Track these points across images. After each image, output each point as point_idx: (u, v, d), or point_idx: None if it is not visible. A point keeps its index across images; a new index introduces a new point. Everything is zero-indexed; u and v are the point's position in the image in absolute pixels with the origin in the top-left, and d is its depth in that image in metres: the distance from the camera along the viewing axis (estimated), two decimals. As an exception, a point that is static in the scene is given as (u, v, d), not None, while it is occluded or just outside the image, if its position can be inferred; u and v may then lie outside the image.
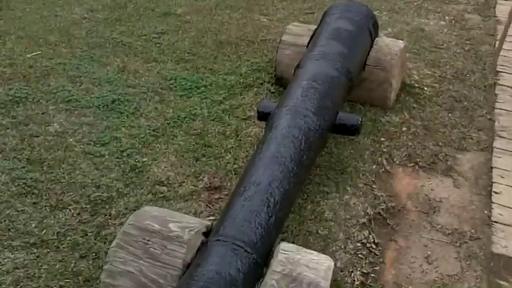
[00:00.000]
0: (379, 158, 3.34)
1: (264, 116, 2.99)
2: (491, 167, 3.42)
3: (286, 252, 2.10)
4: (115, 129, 3.37)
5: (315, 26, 4.00)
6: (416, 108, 3.87)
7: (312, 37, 3.76)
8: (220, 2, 5.48)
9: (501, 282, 2.65)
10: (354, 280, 2.56)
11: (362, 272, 2.61)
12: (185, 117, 3.55)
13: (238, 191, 2.30)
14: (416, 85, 4.12)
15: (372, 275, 2.61)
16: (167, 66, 4.21)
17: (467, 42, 4.96)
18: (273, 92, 3.94)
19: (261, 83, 4.06)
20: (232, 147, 3.33)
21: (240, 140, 3.40)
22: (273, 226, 2.19)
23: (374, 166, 3.26)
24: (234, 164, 3.17)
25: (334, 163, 3.23)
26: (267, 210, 2.20)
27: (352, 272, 2.60)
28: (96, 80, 3.93)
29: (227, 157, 3.23)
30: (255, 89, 3.98)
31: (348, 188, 3.05)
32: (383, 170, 3.27)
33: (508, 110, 4.04)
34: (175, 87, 3.91)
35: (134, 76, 4.04)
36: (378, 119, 3.66)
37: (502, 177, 3.34)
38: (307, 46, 3.75)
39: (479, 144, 3.62)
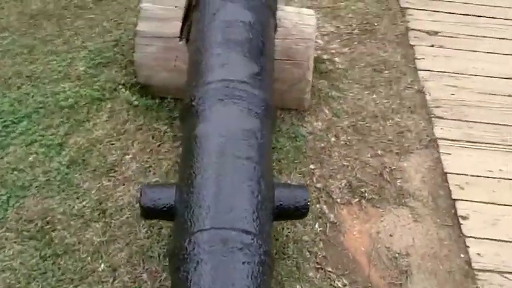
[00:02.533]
0: (318, 205, 2.35)
1: (155, 213, 1.80)
2: (445, 173, 2.63)
3: None
4: None
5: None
6: (335, 98, 2.87)
7: (185, 21, 2.49)
8: None
9: None
10: None
11: None
12: (9, 198, 2.19)
13: None
14: (325, 56, 3.09)
15: None
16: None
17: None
18: (137, 106, 2.66)
19: (114, 89, 2.73)
20: (102, 242, 2.10)
21: (114, 230, 2.16)
22: None
23: (317, 225, 2.27)
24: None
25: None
26: None
27: None
28: None
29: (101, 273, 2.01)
30: (108, 104, 2.66)
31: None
32: (329, 224, 2.30)
33: (432, 71, 3.22)
34: (-22, 130, 2.45)
35: None
36: (297, 133, 2.61)
37: (462, 188, 2.57)
38: (180, 36, 2.48)
39: (419, 138, 2.79)
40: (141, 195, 1.80)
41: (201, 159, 1.74)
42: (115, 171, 2.36)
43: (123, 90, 2.72)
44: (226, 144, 1.76)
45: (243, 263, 1.49)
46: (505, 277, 2.24)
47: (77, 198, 2.23)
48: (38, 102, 2.61)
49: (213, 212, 1.58)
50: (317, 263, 2.12)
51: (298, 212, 1.84)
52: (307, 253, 2.14)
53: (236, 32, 2.13)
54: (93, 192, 2.26)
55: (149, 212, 1.80)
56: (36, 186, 2.25)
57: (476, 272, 2.24)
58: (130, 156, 2.45)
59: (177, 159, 2.45)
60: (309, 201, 1.84)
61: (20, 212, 2.14)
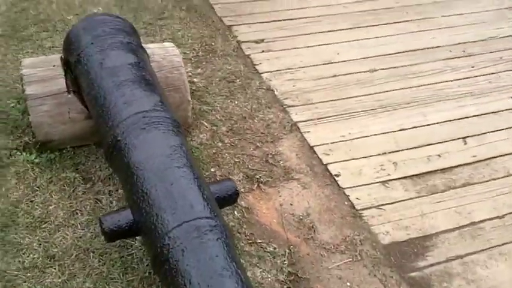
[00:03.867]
0: (229, 198, 2.80)
1: (119, 234, 2.12)
2: (311, 147, 3.26)
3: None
4: None
5: (54, 56, 2.96)
6: (208, 112, 3.35)
7: (66, 76, 2.77)
8: None
9: (412, 274, 2.60)
10: None
11: None
12: (-40, 272, 2.29)
13: None
14: (185, 80, 3.53)
15: None
16: None
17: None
18: (39, 163, 2.85)
19: (10, 155, 2.88)
20: (64, 281, 2.32)
21: (69, 268, 2.38)
22: None
23: (236, 212, 2.73)
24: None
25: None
26: None
27: None
28: None
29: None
30: (12, 169, 2.81)
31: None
32: (244, 209, 2.77)
33: (271, 71, 3.87)
34: None
35: None
36: (191, 147, 3.03)
37: (327, 154, 3.22)
38: (68, 90, 2.76)
39: (283, 125, 3.39)
40: (102, 223, 2.10)
41: (148, 178, 2.09)
42: (46, 222, 2.56)
43: (19, 153, 2.89)
44: (165, 160, 2.13)
45: (217, 239, 1.90)
46: (380, 208, 2.90)
47: (24, 253, 2.40)
48: None
49: (179, 212, 1.96)
50: (248, 239, 2.58)
51: (231, 199, 2.28)
52: (238, 234, 2.58)
53: (128, 73, 2.49)
54: (34, 244, 2.45)
55: (113, 234, 2.10)
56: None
57: (360, 212, 2.87)
58: (53, 206, 2.65)
59: (96, 197, 2.73)
60: (237, 189, 2.29)
61: (-24, 282, 2.26)
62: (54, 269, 2.35)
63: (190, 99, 3.01)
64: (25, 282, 2.28)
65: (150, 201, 2.03)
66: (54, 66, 2.82)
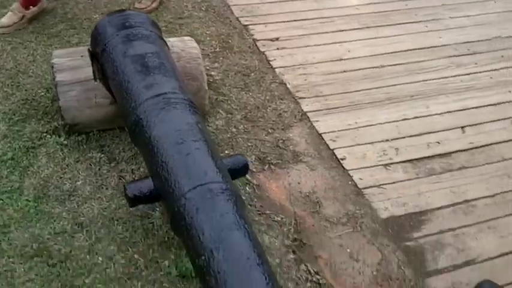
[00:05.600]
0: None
1: (141, 199, 2.37)
2: (319, 134, 3.49)
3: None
4: None
5: (81, 48, 3.26)
6: (224, 101, 3.61)
7: (92, 65, 3.03)
8: None
9: (407, 243, 2.80)
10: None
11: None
12: (-3, 235, 2.57)
13: None
14: (203, 73, 3.80)
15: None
16: None
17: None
18: (67, 145, 3.13)
19: (40, 138, 3.16)
20: (91, 244, 2.58)
21: (96, 234, 2.65)
22: None
23: (247, 188, 2.97)
24: None
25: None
26: None
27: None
28: None
29: None
30: (43, 149, 3.09)
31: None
32: (255, 186, 3.01)
33: (284, 67, 4.10)
34: None
35: None
36: (209, 132, 3.28)
37: (334, 140, 3.45)
38: (94, 78, 3.03)
39: (294, 115, 3.62)
40: (126, 189, 2.36)
41: (167, 150, 2.34)
42: (74, 195, 2.83)
43: (48, 136, 3.16)
44: (182, 134, 2.38)
45: (227, 200, 2.14)
46: (381, 187, 3.12)
47: (54, 221, 2.67)
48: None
49: (194, 177, 2.20)
50: (258, 210, 2.82)
51: (242, 171, 2.53)
52: (249, 206, 2.82)
53: (149, 61, 2.75)
54: (64, 214, 2.71)
55: (136, 200, 2.36)
56: (15, 222, 2.65)
57: (362, 190, 3.09)
58: (80, 182, 2.92)
59: (120, 174, 2.99)
60: (247, 162, 2.54)
61: (13, 243, 2.54)
62: (82, 234, 2.62)
63: (207, 88, 3.27)
64: (56, 244, 2.55)
65: (168, 169, 2.28)
66: (82, 56, 3.10)
